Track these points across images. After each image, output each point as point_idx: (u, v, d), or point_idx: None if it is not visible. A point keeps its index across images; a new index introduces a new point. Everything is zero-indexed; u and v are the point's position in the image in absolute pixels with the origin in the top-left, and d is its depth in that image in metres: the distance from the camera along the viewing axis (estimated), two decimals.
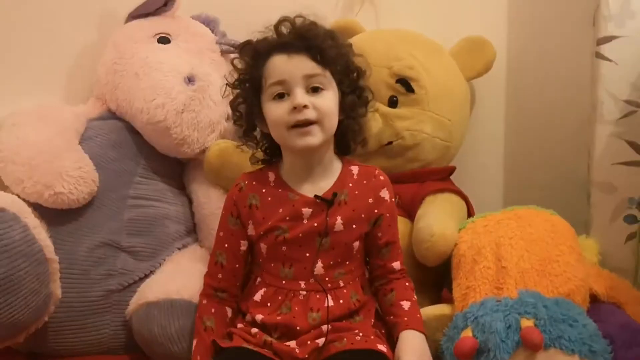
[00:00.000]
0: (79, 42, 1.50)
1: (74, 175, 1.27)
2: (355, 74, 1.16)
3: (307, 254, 1.14)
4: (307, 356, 1.10)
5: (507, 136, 1.64)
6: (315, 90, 1.11)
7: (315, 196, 1.14)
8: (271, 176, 1.17)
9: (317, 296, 1.14)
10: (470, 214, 1.42)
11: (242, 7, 1.55)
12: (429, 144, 1.44)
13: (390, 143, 1.42)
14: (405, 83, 1.42)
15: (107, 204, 1.33)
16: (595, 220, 1.44)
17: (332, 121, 1.12)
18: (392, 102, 1.43)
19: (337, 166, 1.18)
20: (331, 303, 1.13)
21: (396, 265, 1.19)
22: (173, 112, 1.35)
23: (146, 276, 1.32)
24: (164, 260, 1.36)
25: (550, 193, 1.55)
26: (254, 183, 1.17)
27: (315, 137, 1.10)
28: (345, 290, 1.15)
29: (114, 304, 1.29)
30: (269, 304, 1.15)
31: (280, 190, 1.16)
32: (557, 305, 1.10)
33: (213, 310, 1.16)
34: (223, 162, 1.39)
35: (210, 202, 1.41)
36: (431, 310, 1.22)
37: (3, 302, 1.12)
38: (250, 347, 1.11)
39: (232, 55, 1.26)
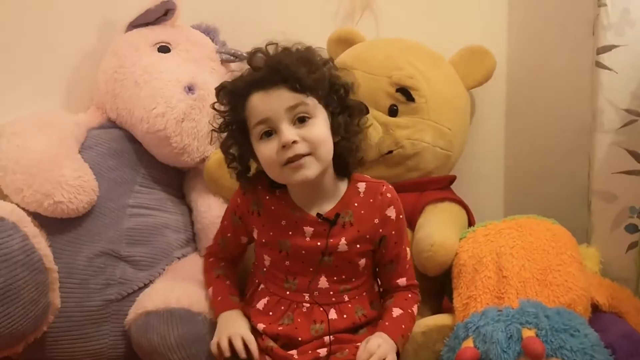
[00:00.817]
0: (79, 51, 1.50)
1: (74, 184, 1.26)
2: (342, 91, 1.11)
3: (311, 269, 1.13)
4: None
5: (507, 145, 1.64)
6: (302, 120, 1.07)
7: (318, 214, 1.12)
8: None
9: (321, 309, 1.13)
10: (470, 223, 1.42)
11: (242, 16, 1.55)
12: (429, 153, 1.44)
13: (390, 152, 1.42)
14: (405, 92, 1.42)
15: (106, 213, 1.33)
16: (596, 229, 1.44)
17: (327, 148, 1.09)
18: (392, 111, 1.43)
19: (341, 187, 1.15)
20: (334, 317, 1.13)
21: (401, 282, 1.18)
22: (173, 121, 1.35)
23: (145, 285, 1.31)
24: (164, 269, 1.35)
25: (551, 202, 1.55)
26: (259, 188, 1.16)
27: (310, 169, 1.07)
28: (350, 305, 1.14)
29: (113, 314, 1.28)
30: (271, 313, 1.14)
31: (283, 202, 1.15)
32: (558, 315, 1.10)
33: (222, 264, 1.23)
34: (223, 171, 1.38)
35: (210, 211, 1.41)
36: (432, 321, 1.21)
37: (2, 312, 1.11)
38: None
39: (211, 101, 1.21)
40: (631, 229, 1.42)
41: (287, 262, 1.13)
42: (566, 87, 1.58)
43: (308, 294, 1.13)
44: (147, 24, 1.46)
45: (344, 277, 1.14)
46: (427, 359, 1.16)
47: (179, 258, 1.38)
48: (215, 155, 1.40)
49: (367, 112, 1.18)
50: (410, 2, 1.60)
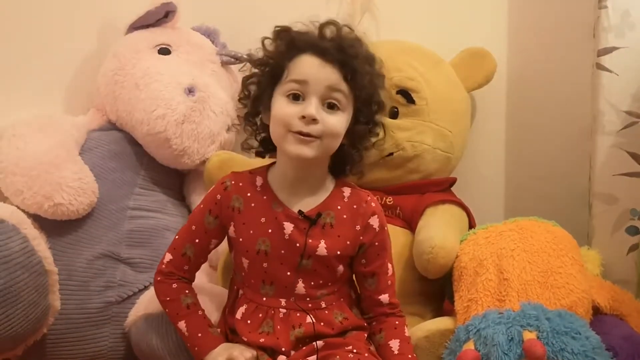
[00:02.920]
0: (79, 53, 1.50)
1: (74, 186, 1.26)
2: (375, 107, 1.11)
3: (288, 273, 1.10)
4: None
5: (507, 147, 1.64)
6: (330, 106, 1.06)
7: (299, 212, 1.10)
8: (259, 181, 1.12)
9: (298, 314, 1.10)
10: (471, 225, 1.42)
11: (242, 18, 1.55)
12: (429, 155, 1.43)
13: (391, 154, 1.42)
14: (405, 94, 1.42)
15: (106, 215, 1.33)
16: (597, 231, 1.44)
17: (334, 142, 1.08)
18: (393, 113, 1.43)
19: (329, 186, 1.13)
20: (312, 320, 1.09)
21: (384, 298, 1.13)
22: (173, 123, 1.35)
23: (146, 288, 1.31)
24: None
25: (552, 204, 1.55)
26: (240, 184, 1.12)
27: (311, 150, 1.05)
28: (327, 312, 1.11)
29: (113, 316, 1.28)
30: (249, 322, 1.11)
31: (265, 197, 1.11)
32: (559, 318, 1.10)
33: (187, 290, 1.12)
34: (223, 173, 1.38)
35: None
36: (435, 325, 1.21)
37: (2, 314, 1.11)
38: None
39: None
40: (632, 231, 1.42)
41: (265, 264, 1.10)
42: (567, 89, 1.58)
43: (285, 299, 1.10)
44: (147, 26, 1.46)
45: (321, 282, 1.11)
46: None
47: None
48: (215, 157, 1.40)
49: (385, 135, 1.17)
50: (411, 4, 1.60)
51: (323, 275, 1.11)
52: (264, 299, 1.11)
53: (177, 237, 1.15)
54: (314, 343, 1.08)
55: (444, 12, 1.60)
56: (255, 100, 1.11)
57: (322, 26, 1.08)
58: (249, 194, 1.12)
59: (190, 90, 1.38)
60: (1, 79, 1.45)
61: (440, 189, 1.45)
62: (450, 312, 1.26)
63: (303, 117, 1.04)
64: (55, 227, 1.27)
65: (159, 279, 1.14)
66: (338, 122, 1.07)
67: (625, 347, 1.14)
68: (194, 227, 1.14)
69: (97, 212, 1.31)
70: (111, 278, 1.29)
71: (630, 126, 1.39)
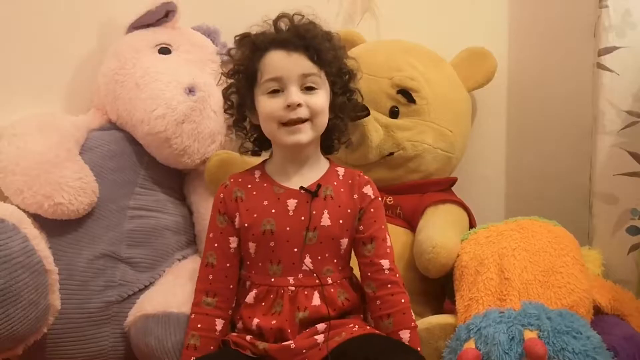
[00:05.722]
0: (79, 53, 1.50)
1: (74, 186, 1.26)
2: (347, 77, 1.19)
3: (295, 249, 1.14)
4: (304, 351, 1.10)
5: (508, 147, 1.64)
6: (309, 89, 1.13)
7: (301, 187, 1.16)
8: (257, 173, 1.20)
9: (305, 292, 1.13)
10: (471, 225, 1.42)
11: (242, 18, 1.54)
12: (430, 155, 1.43)
13: (391, 154, 1.42)
14: (406, 94, 1.42)
15: (107, 215, 1.32)
16: (598, 231, 1.44)
17: (323, 120, 1.15)
18: (393, 113, 1.43)
19: (324, 164, 1.20)
20: (318, 302, 1.13)
21: (384, 263, 1.16)
22: (173, 122, 1.35)
23: (146, 287, 1.31)
24: (164, 271, 1.35)
25: (552, 204, 1.55)
26: (239, 180, 1.19)
27: (305, 134, 1.13)
28: (332, 289, 1.15)
29: (113, 316, 1.28)
30: (263, 304, 1.14)
31: (265, 184, 1.18)
32: (560, 317, 1.09)
33: (199, 326, 1.16)
34: (224, 173, 1.39)
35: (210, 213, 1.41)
36: (435, 319, 1.21)
37: (2, 314, 1.11)
38: (248, 353, 1.12)
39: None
40: (633, 231, 1.42)
41: (271, 243, 1.14)
42: (567, 88, 1.58)
43: (292, 277, 1.14)
44: (147, 26, 1.45)
45: (327, 255, 1.15)
46: (429, 355, 1.16)
47: (179, 260, 1.38)
48: (215, 156, 1.40)
49: (362, 99, 1.24)
50: (411, 3, 1.60)
51: (328, 248, 1.15)
52: (272, 279, 1.15)
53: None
54: (317, 326, 1.12)
55: (445, 12, 1.60)
56: (240, 107, 1.19)
57: (276, 21, 1.16)
58: (249, 186, 1.19)
59: (190, 90, 1.37)
60: (1, 79, 1.45)
61: (440, 188, 1.45)
62: (451, 312, 1.26)
63: (288, 106, 1.12)
64: (55, 227, 1.27)
65: (192, 316, 1.17)
66: (320, 99, 1.14)
67: (626, 347, 1.14)
68: (211, 235, 1.20)
69: (97, 211, 1.31)
70: (111, 278, 1.29)
71: (631, 126, 1.39)
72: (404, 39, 1.53)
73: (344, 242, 1.16)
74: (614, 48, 1.39)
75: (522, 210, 1.43)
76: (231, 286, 1.18)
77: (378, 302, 1.15)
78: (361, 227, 1.17)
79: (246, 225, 1.16)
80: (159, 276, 1.34)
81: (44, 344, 1.24)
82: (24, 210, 1.23)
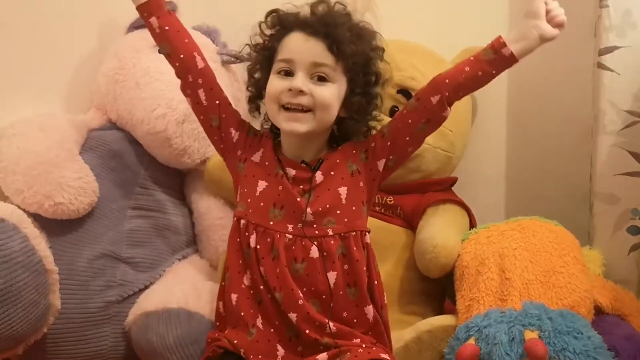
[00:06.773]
0: (80, 52, 1.50)
1: (74, 186, 1.26)
2: (372, 78, 1.13)
3: (298, 199, 1.10)
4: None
5: (509, 147, 1.64)
6: (320, 79, 1.09)
7: (302, 161, 1.12)
8: (266, 139, 1.16)
9: (303, 243, 1.09)
10: (472, 225, 1.42)
11: (243, 18, 1.54)
12: (430, 155, 1.43)
13: None
14: (406, 93, 1.42)
15: (107, 215, 1.32)
16: (598, 231, 1.43)
17: (328, 114, 1.10)
18: (394, 113, 1.42)
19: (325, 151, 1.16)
20: (316, 254, 1.08)
21: (430, 92, 1.14)
22: (174, 122, 1.35)
23: (146, 287, 1.31)
24: (164, 271, 1.35)
25: (553, 204, 1.55)
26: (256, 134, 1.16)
27: (303, 124, 1.09)
28: (332, 242, 1.10)
29: (113, 315, 1.28)
30: (258, 247, 1.09)
31: (271, 152, 1.13)
32: (561, 317, 1.10)
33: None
34: (224, 173, 1.38)
35: (211, 213, 1.41)
36: (437, 321, 1.21)
37: (2, 314, 1.11)
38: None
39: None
40: (633, 230, 1.41)
41: (280, 187, 1.11)
42: (568, 88, 1.58)
43: (292, 225, 1.10)
44: None
45: (327, 206, 1.10)
46: (431, 358, 1.15)
47: (179, 260, 1.38)
48: (215, 156, 1.39)
49: (381, 105, 1.18)
50: (411, 3, 1.60)
51: (328, 199, 1.11)
52: (271, 222, 1.11)
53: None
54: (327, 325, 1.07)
55: (445, 12, 1.60)
56: (258, 83, 1.15)
57: (313, 5, 1.12)
58: (260, 141, 1.15)
59: None
60: (1, 78, 1.45)
61: (441, 188, 1.45)
62: (451, 313, 1.26)
63: (290, 89, 1.08)
64: (55, 227, 1.27)
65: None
66: (328, 92, 1.09)
67: (626, 347, 1.14)
68: (221, 99, 1.15)
69: (97, 211, 1.31)
70: (111, 277, 1.29)
71: (631, 125, 1.39)
72: (404, 39, 1.53)
73: (343, 190, 1.11)
74: (615, 48, 1.39)
75: (523, 210, 1.43)
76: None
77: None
78: (387, 144, 1.12)
79: (258, 161, 1.13)
80: (159, 276, 1.34)
81: (44, 344, 1.24)
82: (24, 210, 1.23)
